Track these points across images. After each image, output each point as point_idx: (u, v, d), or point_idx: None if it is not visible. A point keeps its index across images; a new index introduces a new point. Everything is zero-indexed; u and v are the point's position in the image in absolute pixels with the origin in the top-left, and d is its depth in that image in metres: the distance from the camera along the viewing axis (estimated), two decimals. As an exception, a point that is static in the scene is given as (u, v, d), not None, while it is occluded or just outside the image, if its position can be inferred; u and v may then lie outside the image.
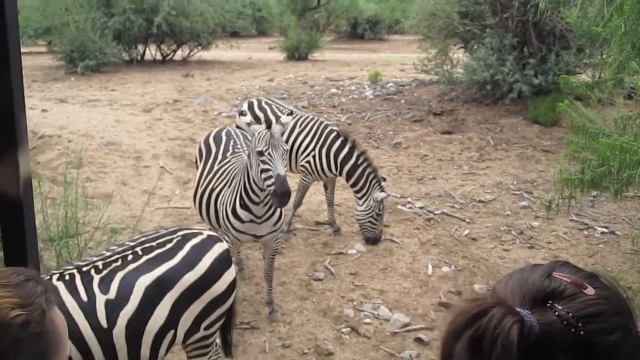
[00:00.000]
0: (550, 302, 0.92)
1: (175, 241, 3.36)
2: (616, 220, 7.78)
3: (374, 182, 6.50)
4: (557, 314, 0.90)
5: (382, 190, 6.55)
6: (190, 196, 7.85)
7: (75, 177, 6.29)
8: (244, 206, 4.95)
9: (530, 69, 11.48)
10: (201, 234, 3.49)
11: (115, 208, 7.38)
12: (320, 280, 6.13)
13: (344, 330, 5.33)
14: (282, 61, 20.88)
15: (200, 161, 5.71)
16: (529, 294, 0.94)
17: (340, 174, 6.61)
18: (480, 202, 8.21)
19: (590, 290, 0.94)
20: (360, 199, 6.59)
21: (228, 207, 5.06)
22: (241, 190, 4.92)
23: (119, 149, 9.61)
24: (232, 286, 3.49)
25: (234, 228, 5.07)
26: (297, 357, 5.01)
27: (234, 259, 3.61)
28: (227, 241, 5.22)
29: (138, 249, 3.28)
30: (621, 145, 3.70)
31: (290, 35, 21.69)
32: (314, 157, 6.62)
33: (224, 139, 5.70)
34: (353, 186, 6.59)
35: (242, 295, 5.87)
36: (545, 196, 7.78)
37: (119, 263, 3.19)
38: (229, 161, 5.41)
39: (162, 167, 9.01)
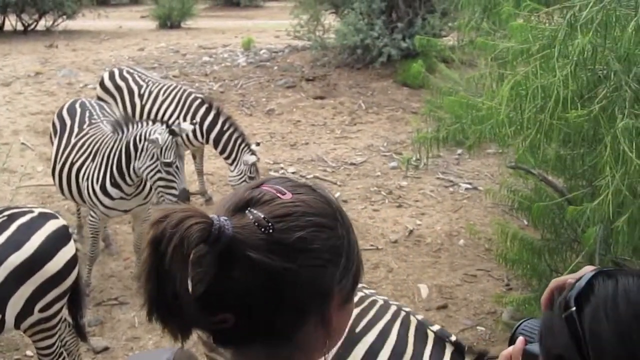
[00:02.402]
0: (249, 208, 0.98)
1: None
2: (479, 176, 8.15)
3: (242, 145, 6.42)
4: (251, 217, 0.96)
5: (253, 153, 6.48)
6: (53, 172, 7.51)
7: None
8: (115, 184, 4.86)
9: (398, 32, 11.71)
10: (31, 211, 3.29)
11: (-30, 189, 6.94)
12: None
13: (215, 298, 5.30)
14: (154, 30, 20.22)
15: (55, 136, 5.46)
16: (232, 204, 1.00)
17: (207, 142, 6.49)
18: (351, 164, 8.35)
19: (288, 195, 1.00)
20: (231, 164, 6.51)
21: (95, 184, 4.92)
22: (113, 170, 4.80)
23: (-26, 125, 9.01)
24: (70, 264, 3.32)
25: (102, 204, 4.94)
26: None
27: (74, 236, 3.46)
28: (92, 216, 5.09)
29: None
30: (467, 101, 3.84)
31: (162, 2, 20.98)
32: (178, 125, 6.46)
33: (78, 110, 5.47)
34: (222, 152, 6.48)
35: (109, 271, 5.71)
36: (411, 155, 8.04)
37: None
38: (86, 133, 5.22)
39: (22, 143, 8.54)
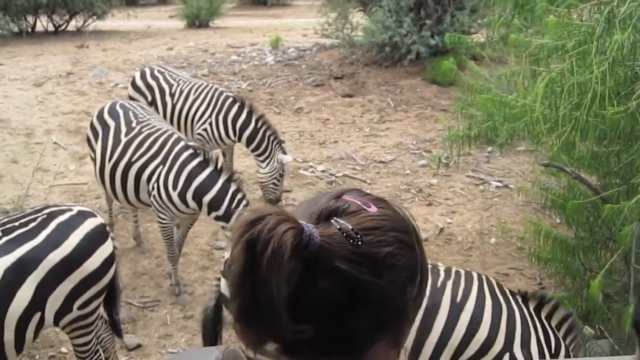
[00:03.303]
0: (335, 217, 0.97)
1: (39, 219, 3.21)
2: (510, 174, 8.08)
3: (275, 143, 6.47)
4: (338, 227, 0.94)
5: (284, 152, 6.53)
6: (86, 171, 7.59)
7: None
8: (198, 202, 4.97)
9: (427, 29, 11.66)
10: (70, 210, 3.34)
11: (5, 187, 7.06)
12: (222, 248, 6.08)
13: (246, 297, 5.32)
14: (182, 29, 20.35)
15: (96, 138, 5.42)
16: (315, 212, 0.98)
17: (240, 140, 6.53)
18: (380, 162, 8.33)
19: (373, 209, 0.99)
20: (262, 161, 6.54)
21: (171, 189, 4.98)
22: (203, 201, 4.95)
23: (7, 125, 9.14)
24: (108, 262, 3.36)
25: (177, 208, 5.05)
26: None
27: (112, 234, 3.49)
28: (162, 219, 5.17)
29: None
30: (499, 99, 3.81)
31: (190, 1, 21.10)
32: (211, 124, 6.51)
33: (120, 111, 5.46)
34: (254, 150, 6.52)
35: (141, 269, 5.77)
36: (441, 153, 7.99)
37: None
38: (140, 132, 5.24)
39: (55, 143, 8.66)
